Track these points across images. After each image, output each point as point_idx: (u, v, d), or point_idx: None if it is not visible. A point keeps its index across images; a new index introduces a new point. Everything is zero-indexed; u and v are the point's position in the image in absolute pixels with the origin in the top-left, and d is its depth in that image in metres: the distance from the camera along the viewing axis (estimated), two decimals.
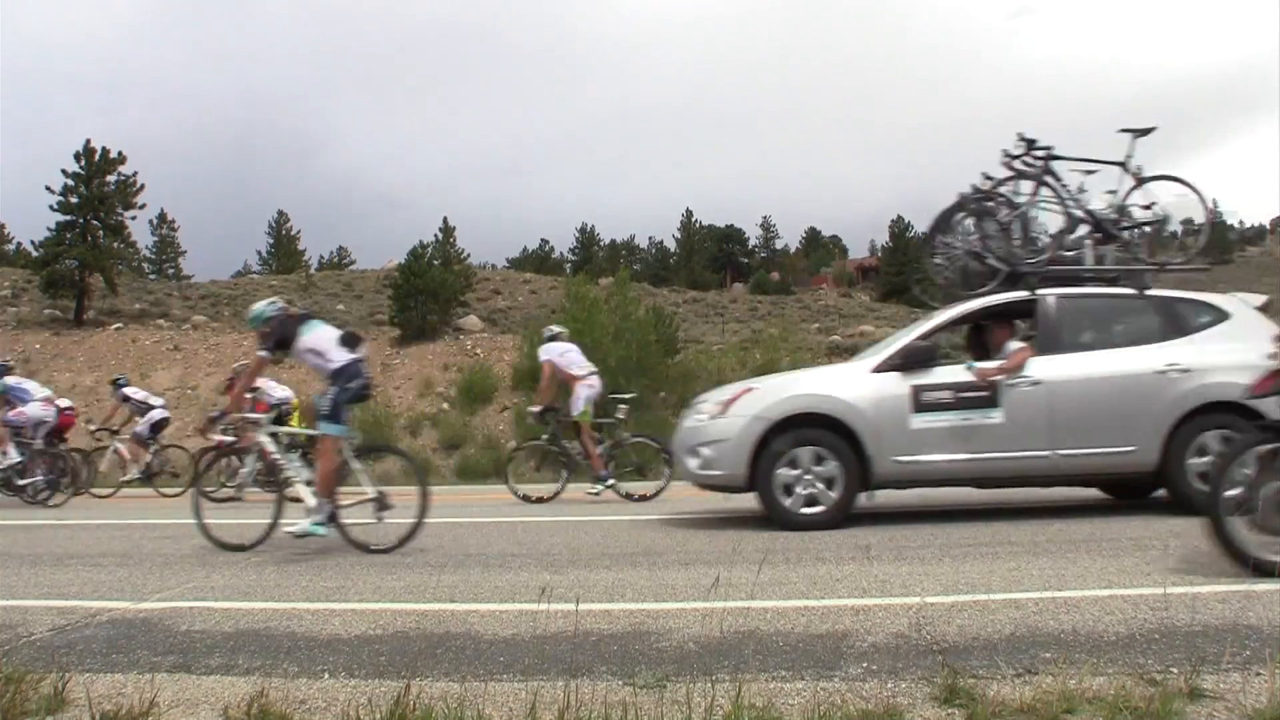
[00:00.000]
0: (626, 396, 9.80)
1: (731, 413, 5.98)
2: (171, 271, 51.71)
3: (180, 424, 17.73)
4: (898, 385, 5.87)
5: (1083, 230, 6.83)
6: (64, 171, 31.57)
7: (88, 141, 32.08)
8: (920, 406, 5.81)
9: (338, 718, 2.35)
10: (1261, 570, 3.60)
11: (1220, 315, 6.04)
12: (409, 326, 30.52)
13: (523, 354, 21.84)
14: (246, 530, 5.65)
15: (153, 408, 12.18)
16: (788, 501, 5.78)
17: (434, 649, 2.96)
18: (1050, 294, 6.17)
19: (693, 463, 6.14)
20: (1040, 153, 6.83)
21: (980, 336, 6.58)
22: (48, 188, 31.47)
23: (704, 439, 6.04)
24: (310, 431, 6.07)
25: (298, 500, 5.57)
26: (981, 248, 6.66)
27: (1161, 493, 6.20)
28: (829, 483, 5.77)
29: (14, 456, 10.38)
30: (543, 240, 68.92)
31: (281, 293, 38.41)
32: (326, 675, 2.73)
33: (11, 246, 54.10)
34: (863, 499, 5.99)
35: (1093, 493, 7.15)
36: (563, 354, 9.24)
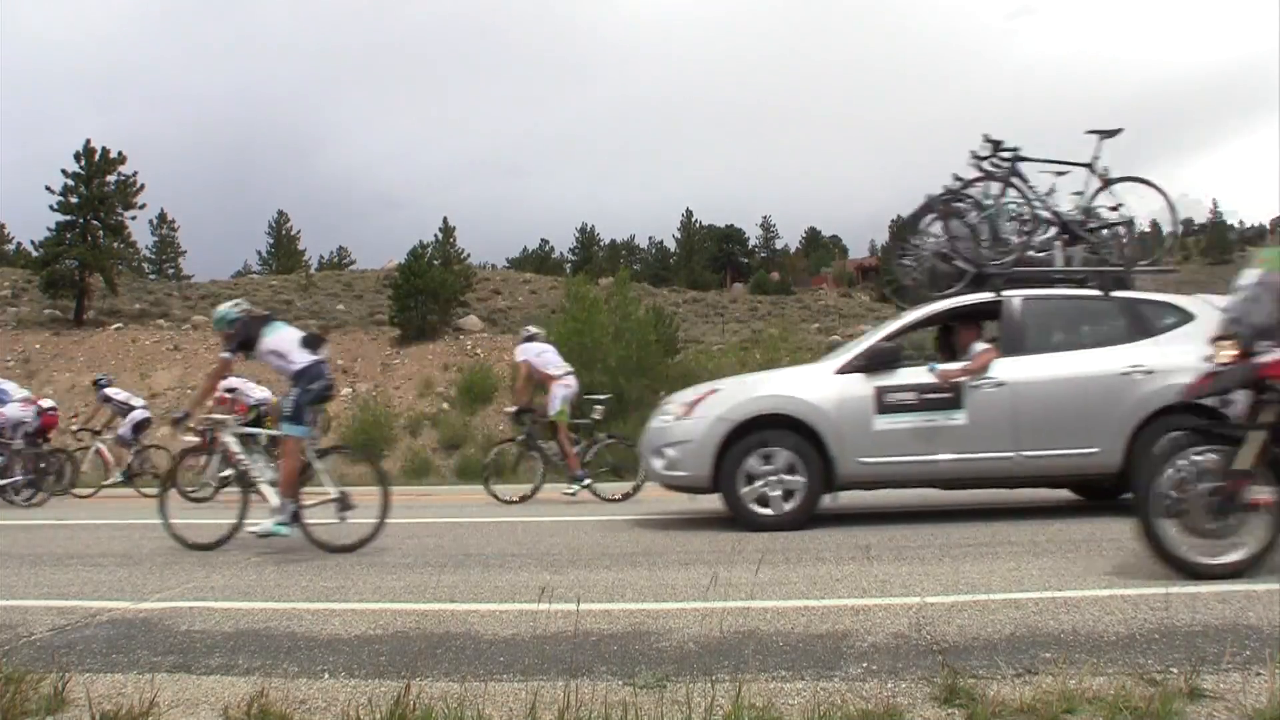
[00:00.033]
0: (602, 397, 9.87)
1: (696, 414, 6.00)
2: (171, 271, 51.71)
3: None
4: (861, 386, 5.88)
5: (1050, 231, 6.85)
6: (64, 171, 31.57)
7: (88, 141, 32.08)
8: (884, 408, 5.82)
9: (338, 718, 2.34)
10: (1192, 573, 3.61)
11: (1185, 317, 6.04)
12: (409, 326, 30.52)
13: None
14: (213, 529, 5.67)
15: (134, 408, 12.18)
16: (751, 503, 5.80)
17: (434, 649, 2.96)
18: (1015, 295, 6.17)
19: (658, 463, 6.17)
20: (1007, 154, 6.85)
21: (949, 338, 6.58)
22: (48, 188, 31.46)
23: (669, 440, 6.06)
24: (273, 432, 6.13)
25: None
26: (949, 249, 6.67)
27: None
28: (792, 484, 5.79)
29: None
30: (543, 240, 69.01)
31: (281, 293, 38.43)
32: (326, 675, 2.73)
33: (11, 246, 54.11)
34: (826, 500, 6.01)
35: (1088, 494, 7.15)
36: (539, 354, 9.29)
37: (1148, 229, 7.40)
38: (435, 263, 34.00)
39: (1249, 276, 3.91)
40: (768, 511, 5.77)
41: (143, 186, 32.98)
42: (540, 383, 9.23)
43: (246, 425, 7.83)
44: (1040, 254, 6.80)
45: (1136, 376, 5.71)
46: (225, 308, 6.00)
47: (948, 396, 5.80)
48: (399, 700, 2.27)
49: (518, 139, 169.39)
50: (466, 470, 16.76)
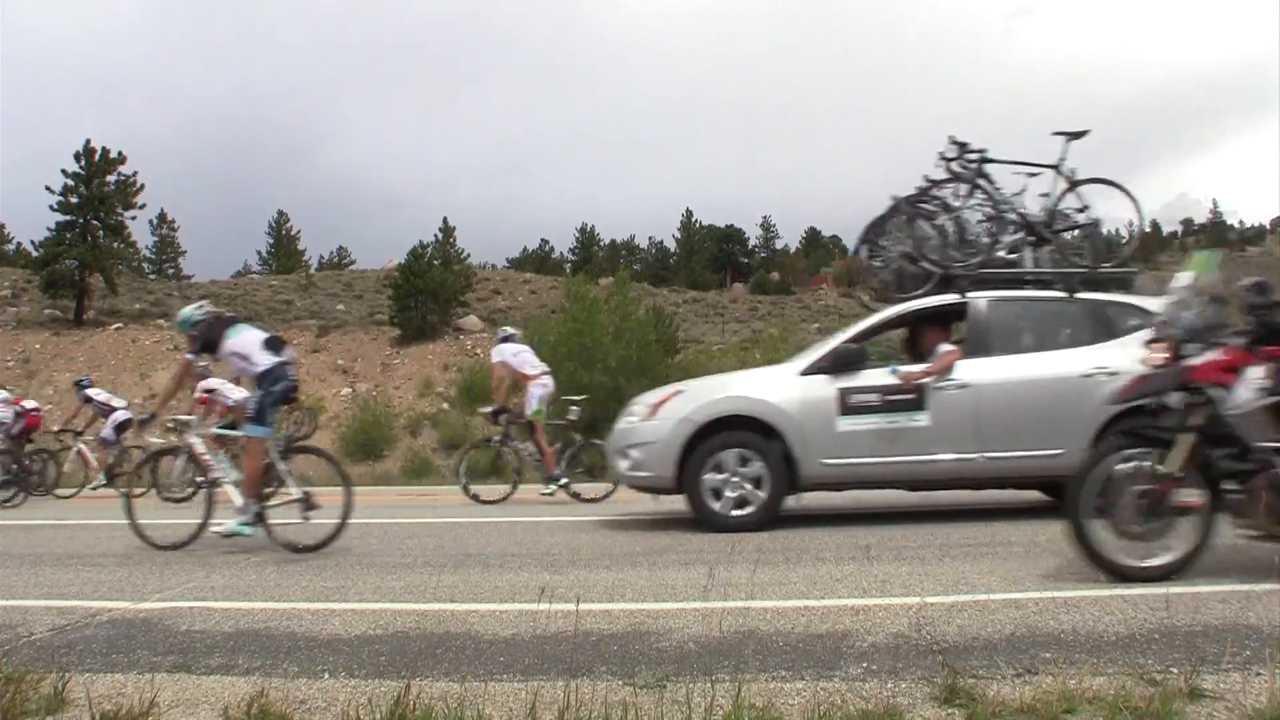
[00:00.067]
0: (578, 398, 9.93)
1: (660, 415, 6.02)
2: (171, 271, 51.71)
3: None
4: (825, 388, 5.88)
5: (1016, 233, 6.86)
6: (64, 171, 31.60)
7: (88, 141, 32.12)
8: (847, 409, 5.82)
9: (338, 718, 2.35)
10: (1121, 576, 3.62)
11: (1150, 318, 6.05)
12: (409, 326, 30.52)
13: None
14: (179, 530, 5.72)
15: (115, 409, 12.20)
16: (715, 504, 5.82)
17: (434, 649, 2.96)
18: (980, 297, 6.17)
19: (623, 464, 6.20)
20: (973, 156, 6.87)
21: (918, 339, 6.58)
22: (48, 188, 31.50)
23: (634, 441, 6.09)
24: (236, 433, 6.19)
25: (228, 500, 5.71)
26: (916, 250, 6.68)
27: None
28: (756, 485, 5.80)
29: None
30: (543, 240, 69.05)
31: (281, 293, 38.44)
32: (326, 675, 2.73)
33: (11, 246, 54.12)
34: (790, 501, 6.03)
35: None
36: (516, 354, 9.36)
37: (1114, 230, 7.43)
38: (435, 263, 34.02)
39: (1182, 280, 3.95)
40: (731, 512, 5.79)
41: (143, 186, 33.01)
42: (517, 383, 9.29)
43: (226, 427, 7.85)
44: (1012, 255, 6.82)
45: (1100, 378, 5.68)
46: (189, 309, 6.06)
47: (910, 398, 5.81)
48: (399, 700, 2.27)
49: (518, 139, 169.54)
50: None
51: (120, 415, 12.12)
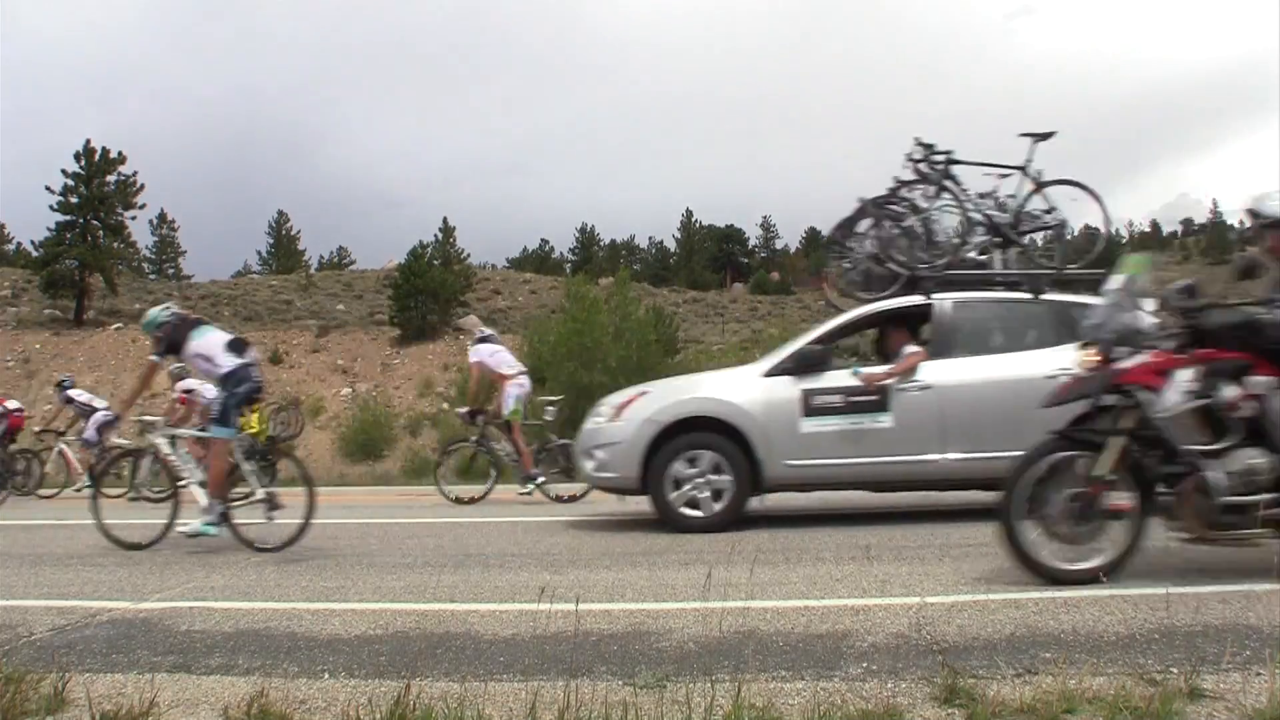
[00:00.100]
0: (554, 398, 9.99)
1: (625, 416, 6.04)
2: (171, 271, 51.74)
3: None
4: (788, 389, 5.89)
5: (982, 234, 6.87)
6: (64, 171, 31.63)
7: (88, 141, 32.15)
8: (810, 410, 5.83)
9: (338, 718, 2.34)
10: (1052, 578, 3.62)
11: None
12: (409, 326, 30.52)
13: (523, 354, 21.85)
14: (146, 530, 5.75)
15: (97, 410, 12.22)
16: (678, 504, 5.84)
17: (434, 649, 2.96)
18: (944, 299, 6.18)
19: (589, 465, 6.24)
20: (940, 157, 6.88)
21: (886, 340, 6.59)
22: (48, 188, 31.52)
23: (599, 441, 6.12)
24: (201, 433, 6.25)
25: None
26: (882, 251, 6.70)
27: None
28: (719, 486, 5.82)
29: None
30: (543, 240, 69.06)
31: (281, 293, 38.44)
32: (326, 675, 2.73)
33: (11, 246, 54.13)
34: (754, 502, 6.03)
35: None
36: (493, 354, 9.40)
37: (1081, 231, 7.43)
38: (435, 263, 34.02)
39: (1114, 282, 3.96)
40: (695, 513, 5.81)
41: (143, 186, 33.03)
42: (494, 383, 9.31)
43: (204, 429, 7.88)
44: (982, 257, 6.83)
45: (1063, 379, 5.71)
46: (155, 311, 6.12)
47: (874, 399, 5.82)
48: (399, 700, 2.27)
49: (518, 138, 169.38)
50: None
51: (101, 416, 12.14)
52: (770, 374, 6.01)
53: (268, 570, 4.79)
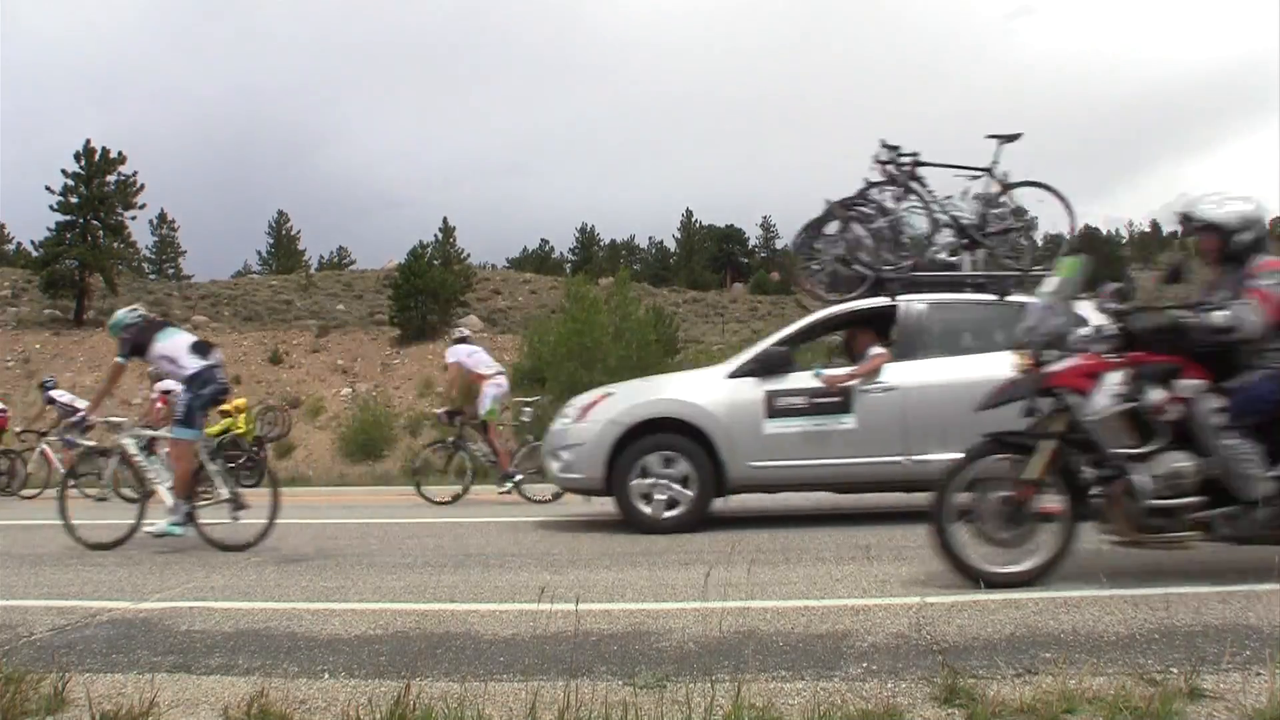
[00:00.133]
0: (530, 399, 10.05)
1: (589, 418, 6.07)
2: (171, 271, 51.75)
3: None
4: (752, 391, 5.91)
5: (948, 236, 6.88)
6: (64, 171, 31.63)
7: (88, 141, 32.15)
8: (774, 412, 5.85)
9: (338, 718, 2.34)
10: (984, 581, 3.62)
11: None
12: (409, 326, 30.53)
13: (523, 354, 21.85)
14: (112, 529, 5.77)
15: (79, 410, 12.25)
16: (642, 505, 5.86)
17: (434, 649, 2.96)
18: (909, 300, 6.19)
19: (555, 465, 6.27)
20: (906, 159, 6.89)
21: (853, 342, 6.59)
22: (48, 188, 31.53)
23: (565, 443, 6.14)
24: (166, 434, 6.29)
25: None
26: (849, 253, 6.71)
27: None
28: (682, 487, 5.83)
29: None
30: (543, 240, 68.98)
31: (281, 293, 38.45)
32: (326, 675, 2.73)
33: (11, 246, 54.13)
34: (718, 503, 6.04)
35: None
36: (470, 354, 9.45)
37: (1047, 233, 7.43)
38: (435, 263, 34.03)
39: (1048, 285, 3.96)
40: (660, 514, 5.83)
41: (143, 186, 33.03)
42: (471, 383, 9.34)
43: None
44: (953, 258, 6.83)
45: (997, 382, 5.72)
46: (122, 313, 6.17)
47: (837, 401, 5.83)
48: (399, 700, 2.27)
49: (518, 138, 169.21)
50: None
51: (80, 418, 12.18)
52: (734, 375, 6.03)
53: (268, 570, 4.79)
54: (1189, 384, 3.60)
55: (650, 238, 72.40)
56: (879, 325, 6.36)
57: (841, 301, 6.48)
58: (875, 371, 5.88)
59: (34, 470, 12.36)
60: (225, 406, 15.83)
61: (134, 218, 33.80)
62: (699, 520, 5.84)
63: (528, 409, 9.59)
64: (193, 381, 5.70)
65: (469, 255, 42.43)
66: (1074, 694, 2.26)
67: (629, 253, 68.17)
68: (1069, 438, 3.67)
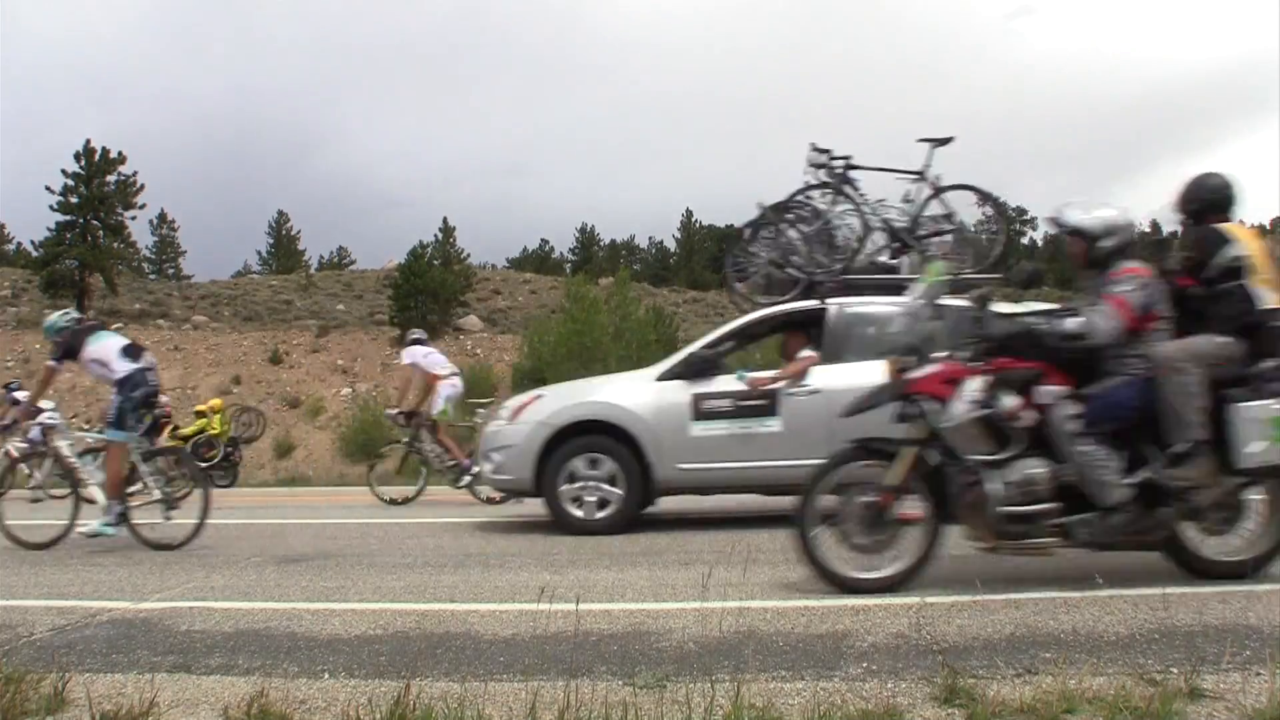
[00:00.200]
0: (484, 401, 10.08)
1: (520, 419, 6.10)
2: (171, 271, 51.70)
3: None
4: (679, 393, 5.93)
5: (880, 239, 6.89)
6: (64, 171, 31.62)
7: (88, 141, 32.13)
8: (700, 414, 5.87)
9: (338, 718, 2.35)
10: (847, 587, 3.63)
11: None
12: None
13: (523, 354, 21.87)
14: (47, 530, 5.85)
15: (43, 411, 12.29)
16: (571, 507, 5.91)
17: (434, 649, 2.96)
18: (837, 303, 6.18)
19: (488, 466, 6.32)
20: (838, 162, 6.90)
21: (787, 345, 6.59)
22: (48, 188, 31.51)
23: (497, 444, 6.18)
24: (99, 436, 6.37)
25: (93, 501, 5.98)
26: (781, 256, 6.73)
27: None
28: (611, 489, 5.87)
29: None
30: (543, 240, 68.84)
31: (281, 293, 38.44)
32: (326, 675, 2.73)
33: (11, 246, 54.10)
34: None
35: None
36: (426, 355, 9.48)
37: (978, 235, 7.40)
38: (435, 263, 34.03)
39: (913, 291, 3.97)
40: (590, 516, 5.87)
41: (143, 186, 33.02)
42: (428, 384, 9.37)
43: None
44: (892, 261, 6.83)
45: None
46: (55, 317, 6.23)
47: (762, 404, 5.83)
48: (399, 700, 2.27)
49: (518, 139, 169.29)
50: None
51: (47, 419, 12.22)
52: (662, 378, 6.06)
53: (268, 570, 4.79)
54: (1047, 390, 3.60)
55: (650, 238, 72.36)
56: (811, 328, 6.34)
57: (774, 304, 6.51)
58: (801, 374, 5.88)
59: None
60: (200, 407, 15.92)
61: (134, 218, 33.79)
62: (627, 522, 5.89)
63: (482, 410, 9.61)
64: (123, 385, 5.75)
65: (469, 255, 42.43)
66: (1074, 694, 2.26)
67: (629, 253, 68.12)
68: (931, 444, 3.68)
